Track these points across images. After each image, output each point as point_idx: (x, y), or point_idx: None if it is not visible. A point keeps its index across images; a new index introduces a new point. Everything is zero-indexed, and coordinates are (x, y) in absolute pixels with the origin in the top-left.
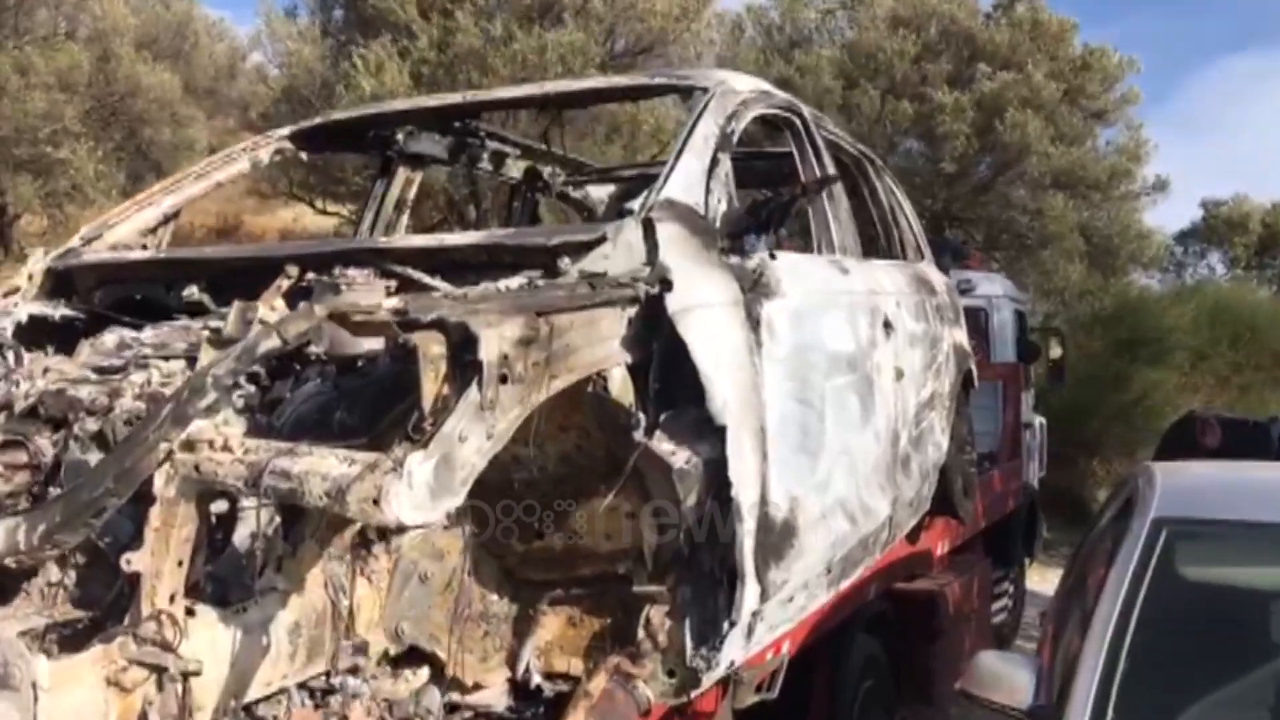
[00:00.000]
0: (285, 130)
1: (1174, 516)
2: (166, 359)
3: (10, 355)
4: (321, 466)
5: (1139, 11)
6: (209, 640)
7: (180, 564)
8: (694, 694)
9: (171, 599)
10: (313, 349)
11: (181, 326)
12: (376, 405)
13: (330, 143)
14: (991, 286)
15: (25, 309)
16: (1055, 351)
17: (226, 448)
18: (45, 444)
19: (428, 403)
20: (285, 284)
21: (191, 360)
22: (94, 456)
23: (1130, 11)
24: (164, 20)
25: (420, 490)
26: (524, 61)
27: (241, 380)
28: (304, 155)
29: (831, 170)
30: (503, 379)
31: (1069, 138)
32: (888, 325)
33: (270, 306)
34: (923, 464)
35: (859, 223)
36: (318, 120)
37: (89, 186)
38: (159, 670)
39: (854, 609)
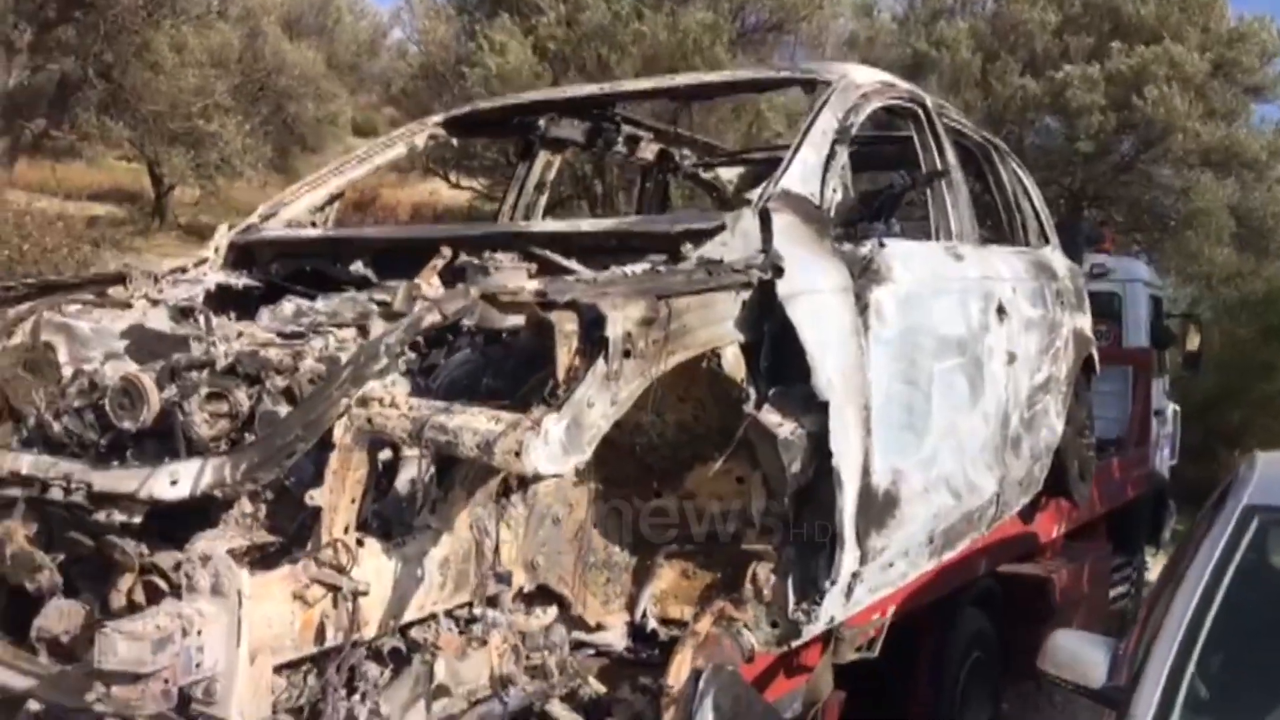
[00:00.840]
0: (439, 117)
1: (1267, 504)
2: (339, 326)
3: (201, 320)
4: (473, 423)
5: None
6: (374, 567)
7: (353, 501)
8: (794, 644)
9: (345, 530)
10: (465, 323)
11: (349, 298)
12: (518, 373)
13: (479, 129)
14: (1126, 271)
15: (213, 278)
16: (1193, 339)
17: (394, 405)
18: (242, 397)
19: (561, 372)
20: (440, 263)
21: (360, 328)
22: (282, 409)
23: None
24: None
25: (554, 446)
26: (654, 38)
27: (405, 348)
28: (454, 140)
29: (951, 160)
30: (626, 354)
31: (1220, 114)
32: (1001, 310)
33: (428, 283)
34: (1034, 446)
35: (981, 209)
36: (467, 108)
37: (236, 159)
38: (334, 589)
39: (961, 582)
